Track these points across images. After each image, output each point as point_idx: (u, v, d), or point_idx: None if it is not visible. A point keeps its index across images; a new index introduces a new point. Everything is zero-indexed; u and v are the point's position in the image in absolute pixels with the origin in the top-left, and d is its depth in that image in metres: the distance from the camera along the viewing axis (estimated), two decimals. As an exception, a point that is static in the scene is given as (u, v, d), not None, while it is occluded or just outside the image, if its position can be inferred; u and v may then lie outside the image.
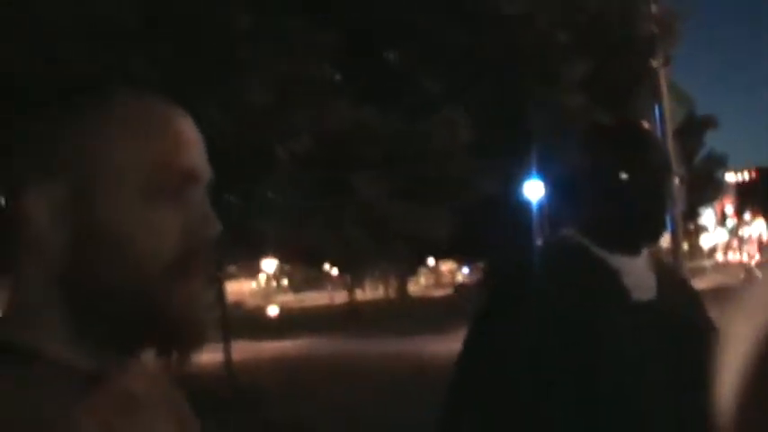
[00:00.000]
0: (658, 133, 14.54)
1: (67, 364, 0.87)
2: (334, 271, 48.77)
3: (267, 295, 66.40)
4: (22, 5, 8.53)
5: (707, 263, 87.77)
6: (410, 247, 14.58)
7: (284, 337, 25.28)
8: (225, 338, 14.09)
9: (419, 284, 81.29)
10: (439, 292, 57.24)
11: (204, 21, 10.01)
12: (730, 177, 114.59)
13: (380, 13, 13.58)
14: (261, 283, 75.73)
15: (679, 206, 14.69)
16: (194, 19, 9.90)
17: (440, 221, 13.40)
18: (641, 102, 14.97)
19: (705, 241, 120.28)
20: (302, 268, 55.69)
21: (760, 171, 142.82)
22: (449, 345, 3.47)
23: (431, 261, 53.14)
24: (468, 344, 1.89)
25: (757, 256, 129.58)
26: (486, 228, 19.32)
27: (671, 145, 14.47)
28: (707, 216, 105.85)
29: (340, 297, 54.42)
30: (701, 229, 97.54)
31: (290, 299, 71.68)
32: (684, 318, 1.96)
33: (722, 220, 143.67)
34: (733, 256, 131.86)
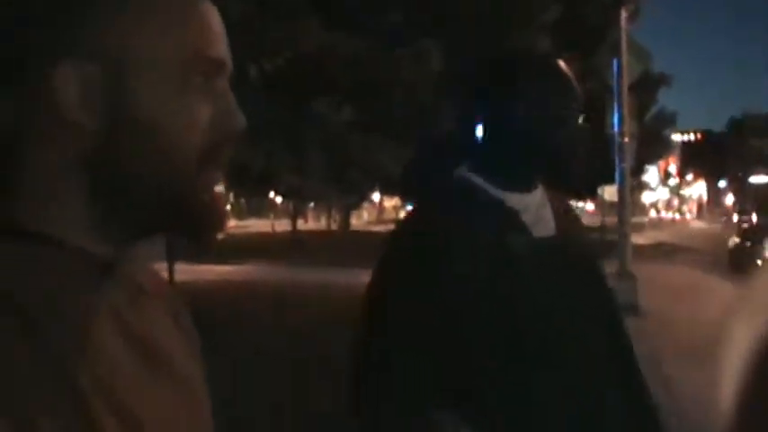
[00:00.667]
0: (614, 86, 14.68)
1: (83, 250, 0.85)
2: (278, 199, 48.70)
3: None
4: None
5: (645, 219, 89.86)
6: (363, 179, 14.55)
7: (227, 262, 25.25)
8: (168, 259, 14.00)
9: (361, 219, 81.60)
10: (380, 228, 57.46)
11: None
12: (676, 137, 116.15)
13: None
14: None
15: (628, 161, 14.91)
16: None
17: (396, 156, 13.36)
18: (602, 54, 15.05)
19: (647, 198, 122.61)
20: (247, 194, 55.50)
21: (706, 134, 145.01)
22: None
23: (375, 196, 53.28)
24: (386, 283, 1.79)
25: (693, 216, 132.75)
26: (429, 167, 19.28)
27: (626, 99, 14.64)
28: (651, 173, 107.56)
29: (281, 226, 54.39)
30: (644, 186, 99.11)
31: (233, 224, 71.50)
32: (581, 251, 1.98)
33: (665, 178, 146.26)
34: (665, 214, 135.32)
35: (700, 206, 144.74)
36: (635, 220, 69.43)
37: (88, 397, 0.79)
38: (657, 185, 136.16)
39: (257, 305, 14.27)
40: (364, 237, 44.93)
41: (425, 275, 1.72)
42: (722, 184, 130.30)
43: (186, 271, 19.09)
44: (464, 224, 1.79)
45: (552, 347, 1.77)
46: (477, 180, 1.87)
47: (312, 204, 56.89)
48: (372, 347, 1.77)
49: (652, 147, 42.07)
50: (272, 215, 63.22)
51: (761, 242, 22.95)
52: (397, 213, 77.90)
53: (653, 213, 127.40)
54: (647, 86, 28.54)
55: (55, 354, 0.78)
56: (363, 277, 1.85)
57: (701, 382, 3.98)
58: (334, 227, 56.30)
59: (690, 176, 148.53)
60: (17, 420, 0.72)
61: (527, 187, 1.88)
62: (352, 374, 1.78)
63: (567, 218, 1.97)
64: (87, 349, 0.82)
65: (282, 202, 57.55)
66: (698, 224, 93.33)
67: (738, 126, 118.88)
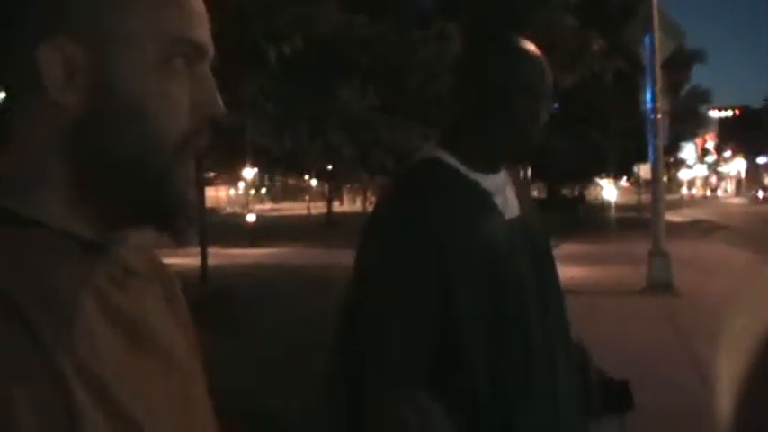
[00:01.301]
0: (647, 64, 14.47)
1: (67, 231, 0.87)
2: (314, 182, 48.75)
3: (245, 203, 66.70)
4: None
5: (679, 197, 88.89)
6: (392, 160, 14.56)
7: (260, 246, 25.35)
8: (201, 243, 14.10)
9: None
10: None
11: None
12: (714, 114, 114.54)
13: None
14: (239, 191, 75.76)
15: (662, 138, 14.70)
16: None
17: (424, 136, 13.34)
18: (633, 30, 14.81)
19: (683, 175, 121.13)
20: (281, 178, 55.65)
21: (743, 110, 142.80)
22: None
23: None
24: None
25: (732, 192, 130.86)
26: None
27: (659, 76, 14.42)
28: (688, 150, 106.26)
29: (317, 208, 54.48)
30: (680, 163, 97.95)
31: (268, 207, 71.72)
32: (540, 230, 2.00)
33: (703, 155, 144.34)
34: (700, 192, 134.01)
35: (738, 183, 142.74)
36: (671, 197, 68.78)
37: (69, 378, 0.79)
38: (695, 163, 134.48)
39: (287, 287, 14.30)
40: (398, 218, 44.55)
41: (414, 241, 1.74)
42: (761, 160, 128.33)
43: (220, 255, 19.23)
44: (446, 205, 1.80)
45: (524, 314, 1.82)
46: (451, 161, 1.87)
47: (347, 186, 56.95)
48: (361, 319, 1.81)
49: (687, 124, 41.55)
50: (306, 197, 63.39)
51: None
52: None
53: (684, 191, 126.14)
54: (680, 63, 28.14)
55: (36, 335, 0.79)
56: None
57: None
58: (369, 209, 56.27)
59: (728, 153, 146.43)
60: None
61: (494, 168, 1.89)
62: (335, 354, 1.86)
63: (526, 198, 2.00)
64: (69, 331, 0.82)
65: (317, 185, 57.66)
66: (736, 201, 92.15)
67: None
